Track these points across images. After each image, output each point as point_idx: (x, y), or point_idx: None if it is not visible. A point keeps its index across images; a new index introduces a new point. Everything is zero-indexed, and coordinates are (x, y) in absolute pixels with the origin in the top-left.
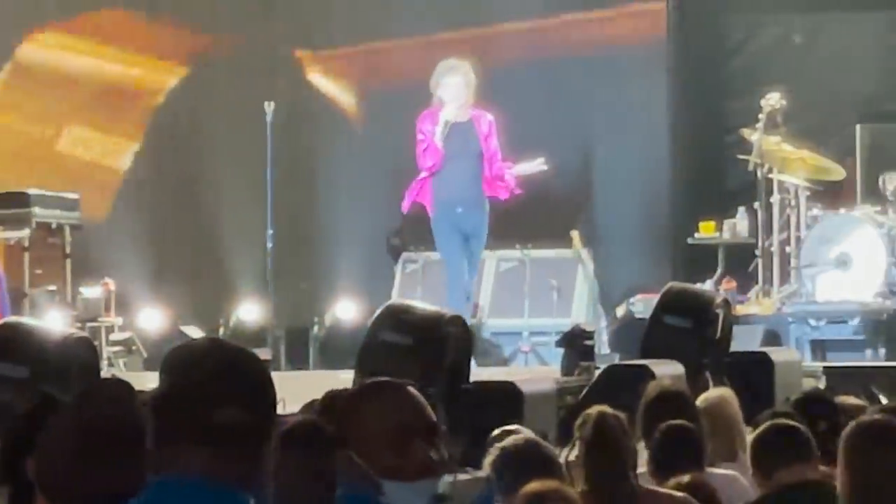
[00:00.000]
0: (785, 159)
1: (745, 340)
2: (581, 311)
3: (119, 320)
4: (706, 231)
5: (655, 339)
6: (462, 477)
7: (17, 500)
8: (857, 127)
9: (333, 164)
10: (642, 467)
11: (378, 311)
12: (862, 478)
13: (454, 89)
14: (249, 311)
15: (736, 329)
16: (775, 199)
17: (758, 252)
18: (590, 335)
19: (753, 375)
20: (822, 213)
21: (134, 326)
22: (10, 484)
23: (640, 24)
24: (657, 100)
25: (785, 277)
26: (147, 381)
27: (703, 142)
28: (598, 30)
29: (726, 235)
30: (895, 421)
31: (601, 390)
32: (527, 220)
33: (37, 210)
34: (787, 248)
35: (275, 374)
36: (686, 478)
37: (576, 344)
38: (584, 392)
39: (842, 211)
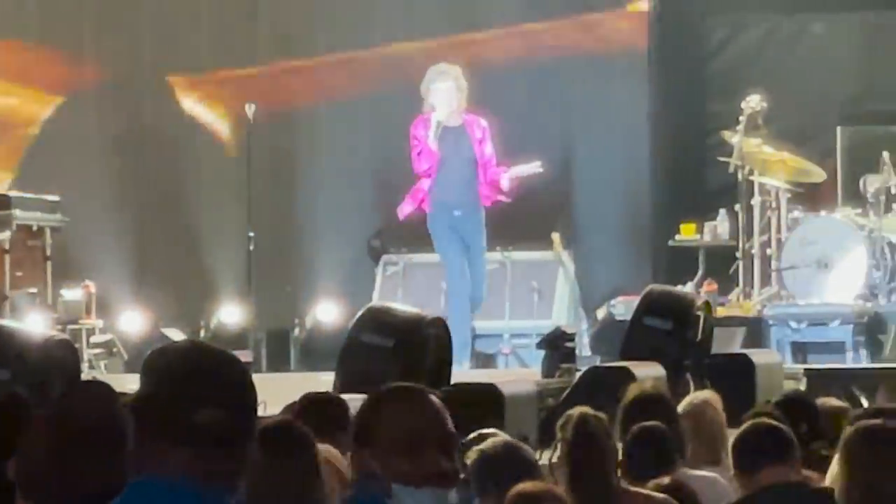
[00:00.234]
0: (766, 161)
1: (725, 342)
2: (562, 313)
3: (100, 323)
4: (687, 233)
5: (636, 341)
6: None
7: None
8: (838, 129)
9: (313, 166)
10: None
11: (359, 313)
12: (865, 483)
13: (445, 94)
14: (230, 314)
15: (716, 331)
16: (756, 201)
17: (738, 254)
18: (570, 337)
19: (734, 377)
20: (802, 215)
21: (115, 329)
22: None
23: (622, 27)
24: (638, 102)
25: (766, 280)
26: (128, 384)
27: (684, 144)
28: (580, 32)
29: (707, 237)
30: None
31: (582, 392)
32: (507, 222)
33: (17, 212)
34: (768, 251)
35: (256, 376)
36: (666, 479)
37: (557, 346)
38: (565, 394)
39: (823, 213)
